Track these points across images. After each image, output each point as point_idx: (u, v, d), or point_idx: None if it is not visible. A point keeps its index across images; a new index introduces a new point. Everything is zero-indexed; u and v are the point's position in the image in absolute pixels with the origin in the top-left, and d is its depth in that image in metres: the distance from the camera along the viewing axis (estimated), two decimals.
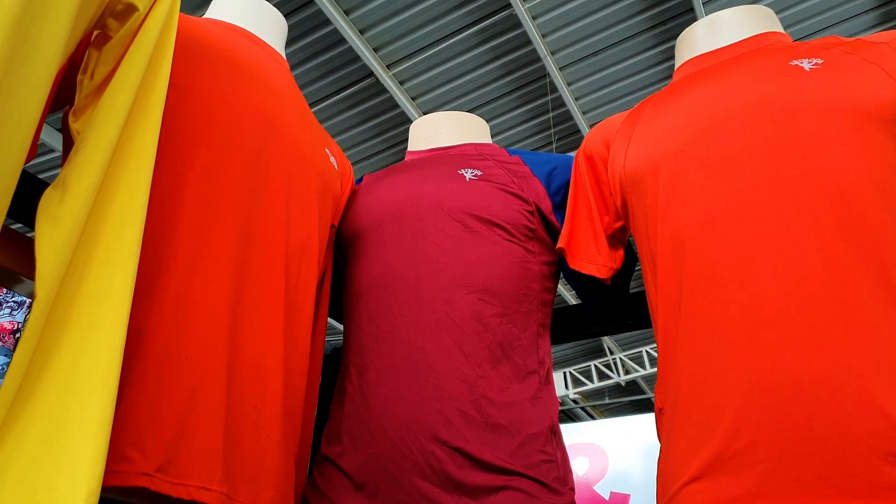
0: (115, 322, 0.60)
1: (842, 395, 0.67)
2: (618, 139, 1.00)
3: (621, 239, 1.04)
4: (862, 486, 0.64)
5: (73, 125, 0.63)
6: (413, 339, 0.96)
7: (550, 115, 4.92)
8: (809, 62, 0.87)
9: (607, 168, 1.01)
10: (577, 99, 4.96)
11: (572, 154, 1.15)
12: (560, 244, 1.03)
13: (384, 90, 4.65)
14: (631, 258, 1.06)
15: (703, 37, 1.03)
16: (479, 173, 1.09)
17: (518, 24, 4.31)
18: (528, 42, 4.43)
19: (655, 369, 8.44)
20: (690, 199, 0.85)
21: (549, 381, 1.03)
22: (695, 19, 4.32)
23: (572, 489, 0.95)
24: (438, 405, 0.91)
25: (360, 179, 1.22)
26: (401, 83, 4.70)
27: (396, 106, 4.77)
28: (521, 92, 4.86)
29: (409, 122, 4.87)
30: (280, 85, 0.97)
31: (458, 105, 4.87)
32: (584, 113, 5.06)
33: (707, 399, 0.76)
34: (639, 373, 8.44)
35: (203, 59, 0.87)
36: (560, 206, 1.09)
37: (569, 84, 4.84)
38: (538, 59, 4.56)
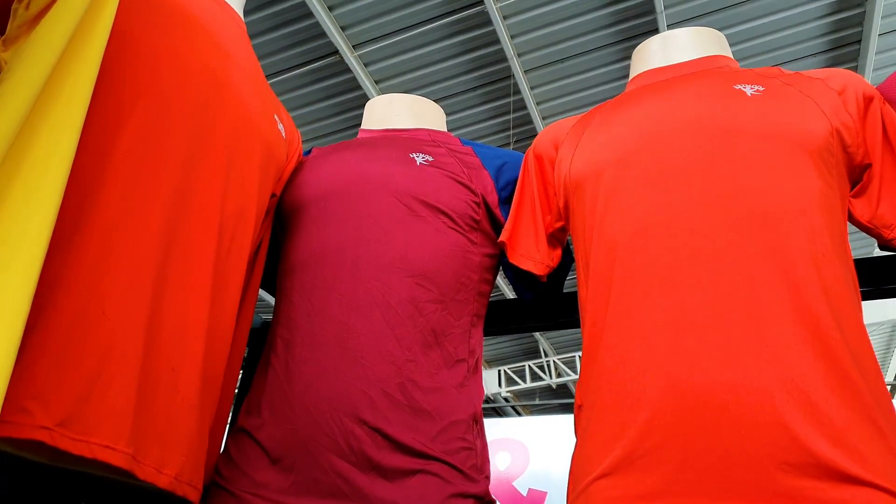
0: (26, 266, 0.57)
1: (747, 405, 0.70)
2: (567, 142, 1.02)
3: (560, 239, 1.06)
4: (757, 491, 0.67)
5: (2, 55, 0.59)
6: (345, 318, 0.95)
7: (511, 116, 4.96)
8: (751, 88, 0.90)
9: (554, 169, 1.03)
10: (538, 104, 5.01)
11: (522, 152, 1.16)
12: (502, 238, 1.04)
13: (348, 70, 4.59)
14: (567, 258, 1.08)
15: (658, 52, 1.05)
16: (430, 159, 1.09)
17: (489, 22, 4.32)
18: (497, 41, 4.45)
19: None
20: (627, 207, 0.87)
21: (476, 371, 1.04)
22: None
23: (487, 478, 0.97)
24: (364, 385, 0.91)
25: (309, 152, 1.20)
26: (366, 65, 4.65)
27: (359, 87, 4.73)
28: (485, 90, 4.88)
29: None
30: (233, 45, 0.95)
31: (421, 94, 4.85)
32: (543, 118, 5.11)
33: (624, 398, 0.78)
34: (570, 377, 8.61)
35: (154, 8, 0.83)
36: (506, 201, 1.10)
37: (532, 88, 4.89)
38: (505, 58, 4.58)
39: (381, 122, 1.23)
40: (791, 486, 0.66)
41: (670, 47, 1.04)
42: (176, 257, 0.79)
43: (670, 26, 4.25)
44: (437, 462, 0.90)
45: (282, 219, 1.11)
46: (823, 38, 4.48)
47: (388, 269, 0.98)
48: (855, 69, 4.61)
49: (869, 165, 0.88)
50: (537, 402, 9.26)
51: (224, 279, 0.87)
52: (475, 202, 1.06)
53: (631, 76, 1.10)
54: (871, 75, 4.53)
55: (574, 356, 8.72)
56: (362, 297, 0.97)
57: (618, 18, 4.39)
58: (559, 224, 1.03)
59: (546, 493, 2.62)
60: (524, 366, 8.80)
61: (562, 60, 4.70)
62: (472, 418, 0.98)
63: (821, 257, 0.77)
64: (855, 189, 0.89)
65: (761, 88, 0.89)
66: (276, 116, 1.02)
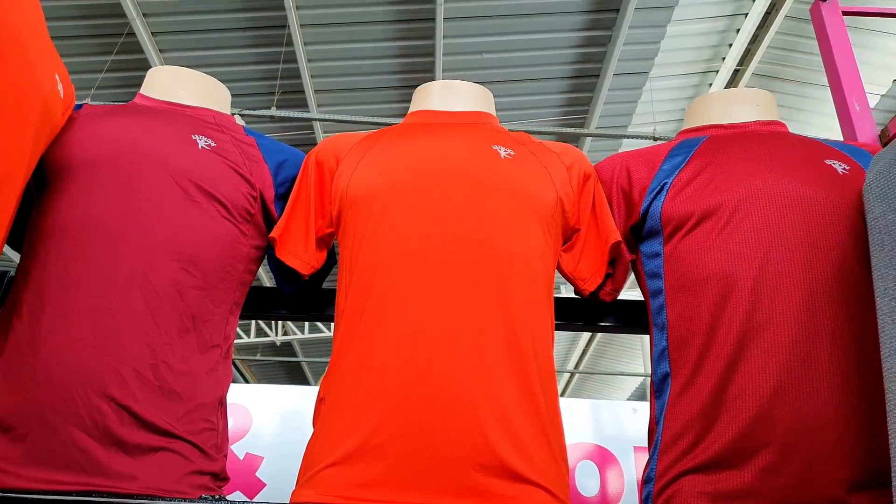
0: None
1: (460, 415, 0.87)
2: (348, 158, 1.11)
3: (328, 242, 1.15)
4: (454, 486, 0.84)
5: None
6: (104, 293, 0.94)
7: (280, 66, 4.84)
8: (505, 150, 1.09)
9: (333, 180, 1.12)
10: (309, 61, 4.96)
11: (303, 151, 1.23)
12: (273, 234, 1.10)
13: None
14: (331, 261, 1.19)
15: (438, 95, 1.21)
16: (213, 144, 1.11)
17: None
18: None
19: (312, 335, 8.80)
20: (393, 231, 1.00)
21: (228, 355, 1.10)
22: (433, 28, 4.69)
23: (225, 456, 1.04)
24: (115, 363, 0.92)
25: (80, 107, 1.13)
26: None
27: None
28: (256, 32, 4.68)
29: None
30: None
31: (187, 21, 4.48)
32: (312, 77, 5.08)
33: (363, 398, 0.91)
34: (296, 336, 8.63)
35: None
36: (281, 198, 1.16)
37: (305, 44, 4.82)
38: (283, 7, 4.45)
39: (164, 92, 1.20)
40: (481, 482, 0.84)
41: (450, 94, 1.21)
42: None
43: (446, 21, 4.53)
44: (180, 441, 0.95)
45: (41, 176, 1.04)
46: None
47: (155, 249, 0.99)
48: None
49: (578, 230, 1.13)
50: (259, 357, 9.13)
51: None
52: (252, 196, 1.11)
53: (412, 109, 1.24)
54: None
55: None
56: (123, 274, 0.96)
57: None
58: (329, 230, 1.13)
59: (263, 457, 2.70)
60: (250, 322, 8.63)
61: (340, 24, 4.72)
62: (219, 401, 1.04)
63: (533, 299, 0.98)
64: (565, 245, 1.14)
65: (512, 153, 1.09)
66: (56, 75, 0.96)
